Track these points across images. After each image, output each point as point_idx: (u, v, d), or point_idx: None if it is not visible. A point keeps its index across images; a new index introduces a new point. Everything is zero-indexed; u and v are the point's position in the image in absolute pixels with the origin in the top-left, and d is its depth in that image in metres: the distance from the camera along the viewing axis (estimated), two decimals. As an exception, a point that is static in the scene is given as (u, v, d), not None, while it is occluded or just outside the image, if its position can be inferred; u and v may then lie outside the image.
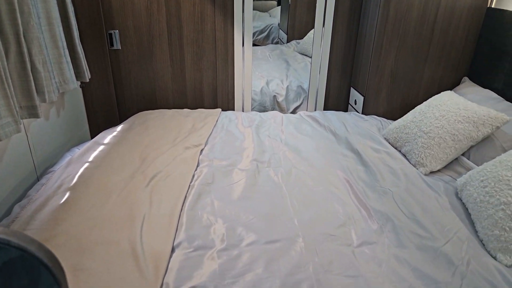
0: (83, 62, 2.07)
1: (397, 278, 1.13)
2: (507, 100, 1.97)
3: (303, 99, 2.87)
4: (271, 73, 3.17)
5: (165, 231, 1.29)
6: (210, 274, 1.13)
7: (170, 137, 2.01)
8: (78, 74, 2.06)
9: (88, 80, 2.16)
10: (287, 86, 2.92)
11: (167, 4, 2.35)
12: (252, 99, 2.80)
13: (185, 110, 2.44)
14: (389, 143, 2.03)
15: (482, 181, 1.44)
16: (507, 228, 1.24)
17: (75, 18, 2.03)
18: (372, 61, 2.32)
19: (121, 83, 2.51)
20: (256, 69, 3.28)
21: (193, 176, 1.66)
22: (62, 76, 1.88)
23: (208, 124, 2.19)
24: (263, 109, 2.84)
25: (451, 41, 2.27)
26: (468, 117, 1.76)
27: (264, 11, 6.27)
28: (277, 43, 4.84)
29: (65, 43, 1.91)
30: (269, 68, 3.32)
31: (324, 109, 2.75)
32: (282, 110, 2.83)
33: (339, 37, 2.53)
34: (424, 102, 2.02)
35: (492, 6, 2.18)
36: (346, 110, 2.76)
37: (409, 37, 2.24)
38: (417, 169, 1.78)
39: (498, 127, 1.73)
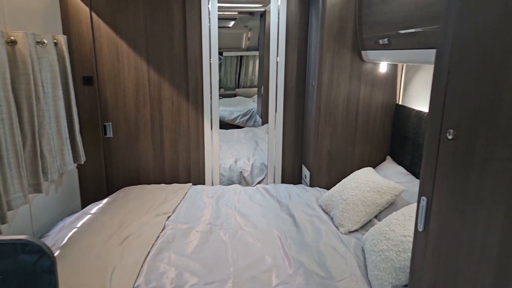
0: (80, 149, 2.63)
1: (293, 305, 1.54)
2: (412, 174, 2.51)
3: (265, 174, 3.40)
4: (241, 153, 3.76)
5: (129, 277, 1.72)
6: (158, 305, 1.54)
7: (145, 207, 2.49)
8: (75, 158, 2.61)
9: (83, 163, 2.71)
10: (252, 163, 3.48)
11: (151, 102, 3.00)
12: (222, 174, 3.33)
13: (162, 185, 2.96)
14: (322, 209, 2.51)
15: (373, 235, 1.91)
16: (381, 268, 1.68)
17: (77, 116, 2.65)
18: (312, 143, 2.90)
19: (111, 163, 3.06)
20: (228, 149, 3.88)
21: (158, 236, 2.11)
22: (62, 160, 2.42)
23: (178, 196, 2.69)
24: (231, 183, 3.35)
25: (372, 129, 2.88)
26: (375, 187, 2.28)
27: (248, 97, 7.24)
28: (255, 125, 5.60)
29: (68, 135, 2.49)
30: (240, 148, 3.93)
31: (282, 182, 3.27)
32: (247, 184, 3.35)
33: (289, 123, 3.16)
34: (348, 176, 2.55)
35: (400, 103, 2.84)
36: (299, 183, 3.28)
37: (339, 126, 2.86)
38: (338, 229, 2.24)
39: (396, 195, 2.23)
